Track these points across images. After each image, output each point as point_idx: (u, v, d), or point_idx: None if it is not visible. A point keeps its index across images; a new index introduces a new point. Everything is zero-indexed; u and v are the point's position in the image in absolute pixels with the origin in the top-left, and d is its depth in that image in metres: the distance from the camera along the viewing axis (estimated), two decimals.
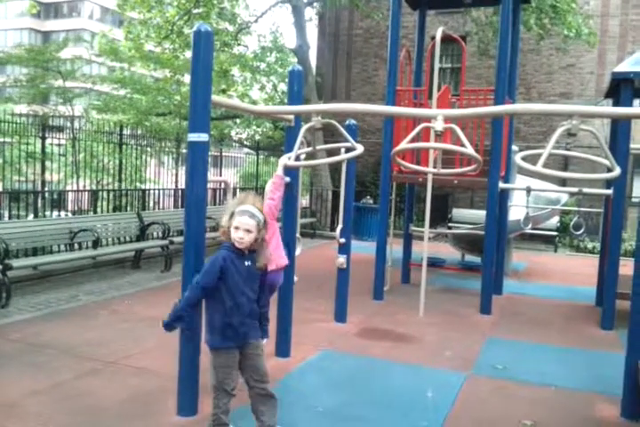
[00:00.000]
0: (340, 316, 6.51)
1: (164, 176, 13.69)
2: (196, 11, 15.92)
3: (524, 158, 3.56)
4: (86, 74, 20.08)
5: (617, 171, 3.54)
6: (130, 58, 18.17)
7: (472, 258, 10.29)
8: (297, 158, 4.81)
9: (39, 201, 9.89)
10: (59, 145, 13.68)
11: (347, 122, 6.50)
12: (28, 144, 11.95)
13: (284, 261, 4.47)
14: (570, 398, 4.53)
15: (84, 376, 4.55)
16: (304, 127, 4.25)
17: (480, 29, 15.39)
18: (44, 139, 10.76)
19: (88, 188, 12.49)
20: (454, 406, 4.27)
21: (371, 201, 14.64)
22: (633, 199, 13.79)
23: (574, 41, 13.88)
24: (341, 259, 6.41)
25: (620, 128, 6.68)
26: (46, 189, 11.73)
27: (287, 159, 4.42)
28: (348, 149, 4.93)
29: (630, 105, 6.46)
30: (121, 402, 4.08)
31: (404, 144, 3.87)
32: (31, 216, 9.48)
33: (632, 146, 6.83)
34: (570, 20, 12.97)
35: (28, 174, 11.93)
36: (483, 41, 15.37)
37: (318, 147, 6.47)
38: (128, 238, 9.96)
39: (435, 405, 4.27)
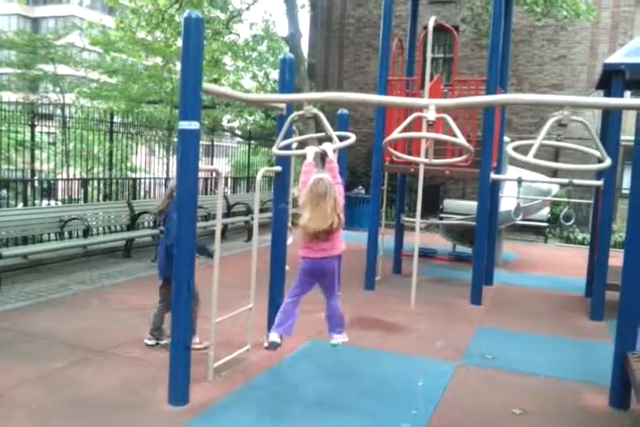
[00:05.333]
0: None
1: (154, 165, 13.61)
2: None
3: (515, 149, 3.56)
4: (79, 61, 19.88)
5: (607, 162, 3.55)
6: (122, 47, 18.01)
7: (463, 249, 10.34)
8: (289, 147, 4.79)
9: (29, 189, 9.81)
10: (48, 133, 13.55)
11: (339, 111, 6.49)
12: (17, 132, 11.82)
13: None
14: (559, 387, 4.58)
15: (74, 365, 4.54)
16: (291, 116, 4.22)
17: (476, 14, 15.29)
18: (33, 126, 10.65)
19: (78, 176, 12.39)
20: (445, 395, 4.30)
21: (362, 191, 14.64)
22: (623, 191, 13.86)
23: (571, 24, 13.79)
24: None
25: (610, 119, 6.70)
26: (36, 177, 11.63)
27: (316, 148, 4.23)
28: (341, 139, 4.92)
29: (621, 96, 6.48)
30: (111, 391, 4.07)
31: (395, 133, 3.86)
32: (21, 205, 9.40)
33: (622, 137, 6.84)
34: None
35: (17, 163, 11.83)
36: (479, 27, 15.26)
37: (309, 135, 6.46)
38: (119, 227, 9.91)
39: (425, 394, 4.30)
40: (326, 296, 4.14)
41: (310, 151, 4.10)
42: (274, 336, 4.03)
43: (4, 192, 10.63)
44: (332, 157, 3.99)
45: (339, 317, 4.18)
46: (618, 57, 6.62)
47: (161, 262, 5.02)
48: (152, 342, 5.03)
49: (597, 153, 3.60)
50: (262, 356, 4.90)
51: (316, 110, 3.86)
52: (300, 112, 3.96)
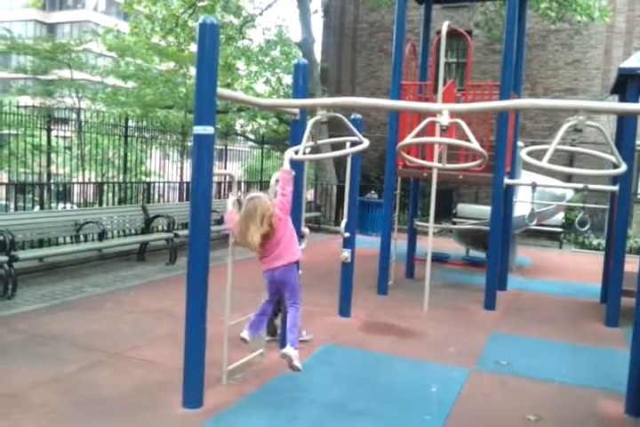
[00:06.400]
0: (345, 310, 6.52)
1: (169, 169, 13.69)
2: (200, 4, 15.89)
3: (529, 154, 3.55)
4: (96, 66, 20.15)
5: (623, 167, 3.53)
6: (138, 53, 18.23)
7: (476, 253, 10.30)
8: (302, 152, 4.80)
9: (45, 193, 9.91)
10: (64, 137, 13.68)
11: (352, 116, 6.49)
12: (33, 136, 11.95)
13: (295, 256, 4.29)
14: (573, 394, 4.54)
15: (88, 367, 4.58)
16: (311, 121, 4.22)
17: (489, 19, 15.28)
18: (49, 130, 10.76)
19: (93, 180, 12.49)
20: (458, 400, 4.28)
21: (375, 196, 14.62)
22: (638, 196, 13.74)
23: (585, 28, 13.74)
24: (346, 253, 6.42)
25: (626, 124, 6.65)
26: (52, 181, 11.74)
27: (293, 153, 4.38)
28: (354, 144, 4.92)
29: (636, 101, 6.42)
30: (126, 394, 4.10)
31: (409, 138, 3.86)
32: (37, 208, 9.49)
33: (638, 142, 6.79)
34: (580, 3, 12.84)
35: (33, 166, 11.96)
36: (492, 32, 15.25)
37: (323, 141, 6.47)
38: (133, 231, 9.98)
39: (438, 399, 4.29)
40: (285, 304, 4.34)
41: (287, 155, 4.29)
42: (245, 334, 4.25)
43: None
44: (287, 166, 4.19)
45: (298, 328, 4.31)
46: (633, 61, 6.58)
47: None
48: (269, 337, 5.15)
49: (613, 158, 3.59)
50: (276, 359, 4.90)
51: (339, 115, 3.99)
52: (317, 117, 3.99)
